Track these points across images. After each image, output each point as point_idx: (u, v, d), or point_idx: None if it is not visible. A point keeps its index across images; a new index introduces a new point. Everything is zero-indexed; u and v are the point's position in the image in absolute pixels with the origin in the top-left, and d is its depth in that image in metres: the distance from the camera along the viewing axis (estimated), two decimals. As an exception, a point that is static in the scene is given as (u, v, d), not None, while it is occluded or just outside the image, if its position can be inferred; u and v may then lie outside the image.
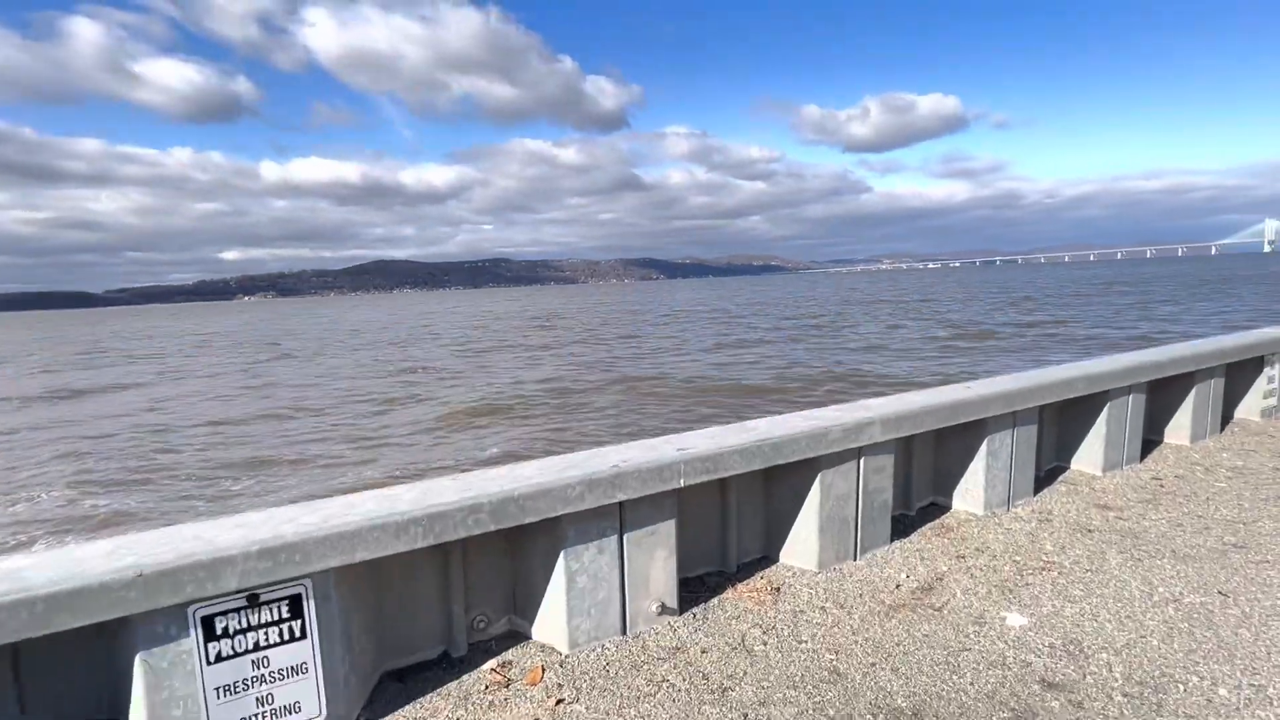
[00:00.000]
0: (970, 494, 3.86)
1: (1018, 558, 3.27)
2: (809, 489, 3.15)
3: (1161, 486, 4.24)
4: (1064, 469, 4.61)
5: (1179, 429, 5.15)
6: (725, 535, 3.18)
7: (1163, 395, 5.09)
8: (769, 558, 3.32)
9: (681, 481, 2.66)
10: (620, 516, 2.58)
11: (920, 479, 3.94)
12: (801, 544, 3.20)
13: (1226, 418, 5.71)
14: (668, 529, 2.70)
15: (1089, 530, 3.59)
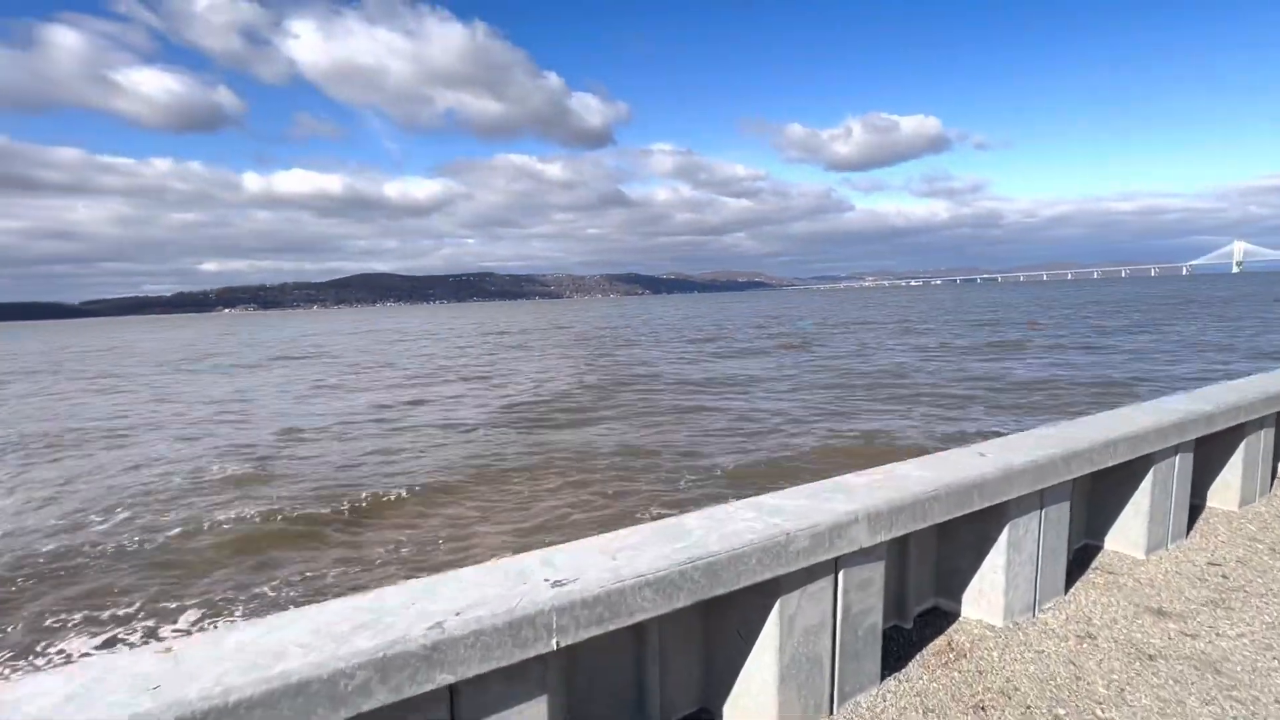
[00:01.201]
0: (986, 598, 2.90)
1: (1060, 710, 2.31)
2: (764, 621, 2.18)
3: (1225, 578, 3.30)
4: (1095, 548, 3.67)
5: (1225, 490, 4.25)
6: (643, 690, 2.19)
7: (1206, 451, 4.19)
8: (709, 713, 2.33)
9: (555, 642, 1.68)
10: (451, 708, 1.61)
11: (918, 575, 2.97)
12: (753, 697, 2.21)
13: (1273, 472, 4.83)
14: (536, 712, 1.71)
15: (1149, 656, 2.63)
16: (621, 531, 2.17)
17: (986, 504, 2.69)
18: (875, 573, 2.38)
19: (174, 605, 5.51)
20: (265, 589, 5.71)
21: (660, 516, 7.56)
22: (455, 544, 6.58)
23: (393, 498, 8.03)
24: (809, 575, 2.19)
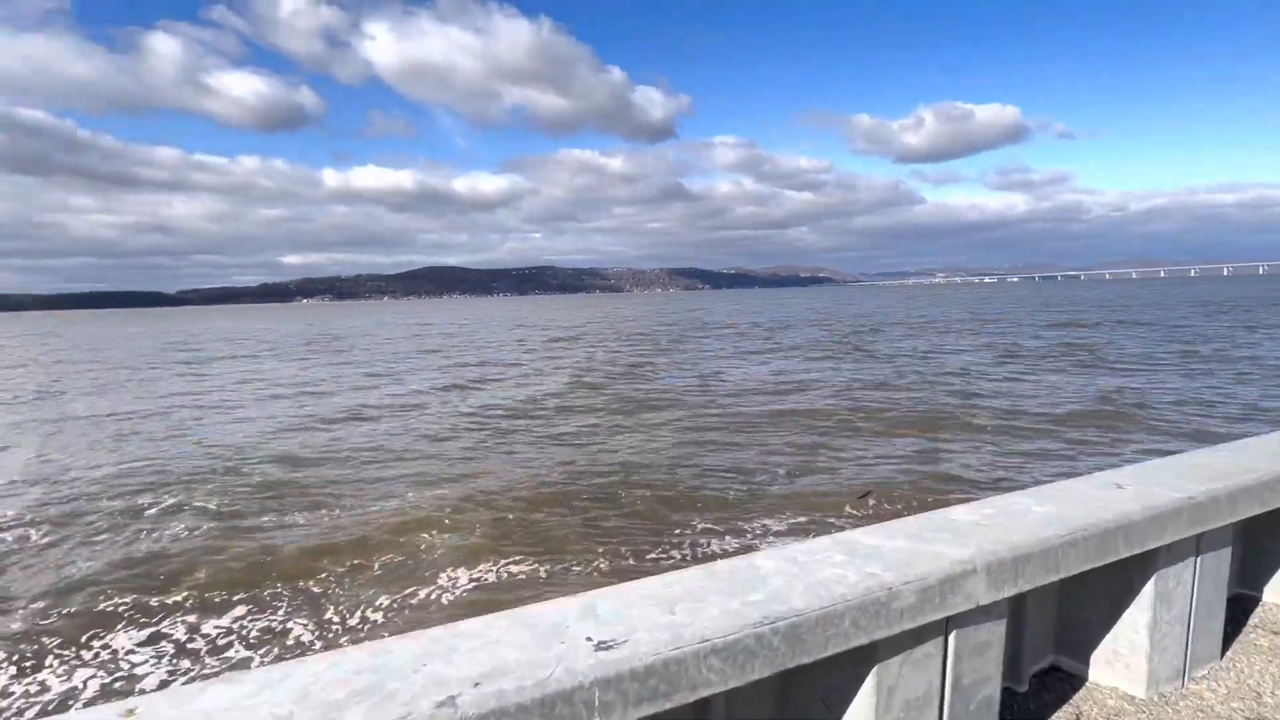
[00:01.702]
0: (1123, 661, 2.39)
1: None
2: (855, 692, 1.77)
3: None
4: (1250, 600, 3.05)
5: None
6: None
7: None
8: None
9: None
10: None
11: (1035, 625, 2.49)
12: None
13: None
14: None
15: (1349, 753, 2.08)
16: (679, 575, 1.81)
17: (1131, 552, 2.18)
18: (994, 635, 1.94)
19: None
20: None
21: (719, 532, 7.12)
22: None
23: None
24: (914, 638, 1.77)
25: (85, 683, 4.66)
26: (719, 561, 1.88)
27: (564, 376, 20.09)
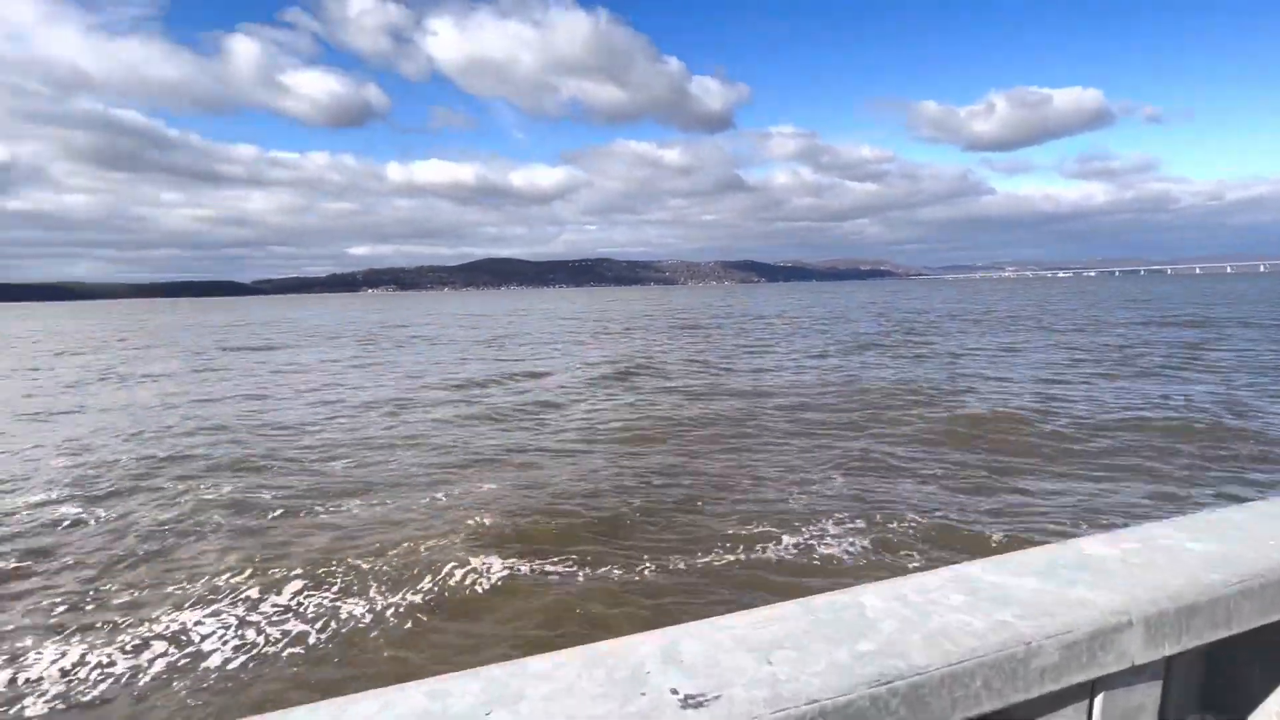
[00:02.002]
0: None
1: None
2: None
3: None
4: None
5: None
6: None
7: None
8: None
9: None
10: None
11: (1183, 685, 1.97)
12: None
13: None
14: None
15: None
16: (774, 611, 1.52)
17: None
18: (1148, 698, 1.52)
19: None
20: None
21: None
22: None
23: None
24: (1053, 703, 1.51)
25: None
26: (819, 598, 1.60)
27: (608, 367, 19.88)
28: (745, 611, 1.53)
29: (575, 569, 5.87)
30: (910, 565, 5.86)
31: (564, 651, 1.38)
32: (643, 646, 1.37)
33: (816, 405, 13.00)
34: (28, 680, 4.49)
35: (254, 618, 5.23)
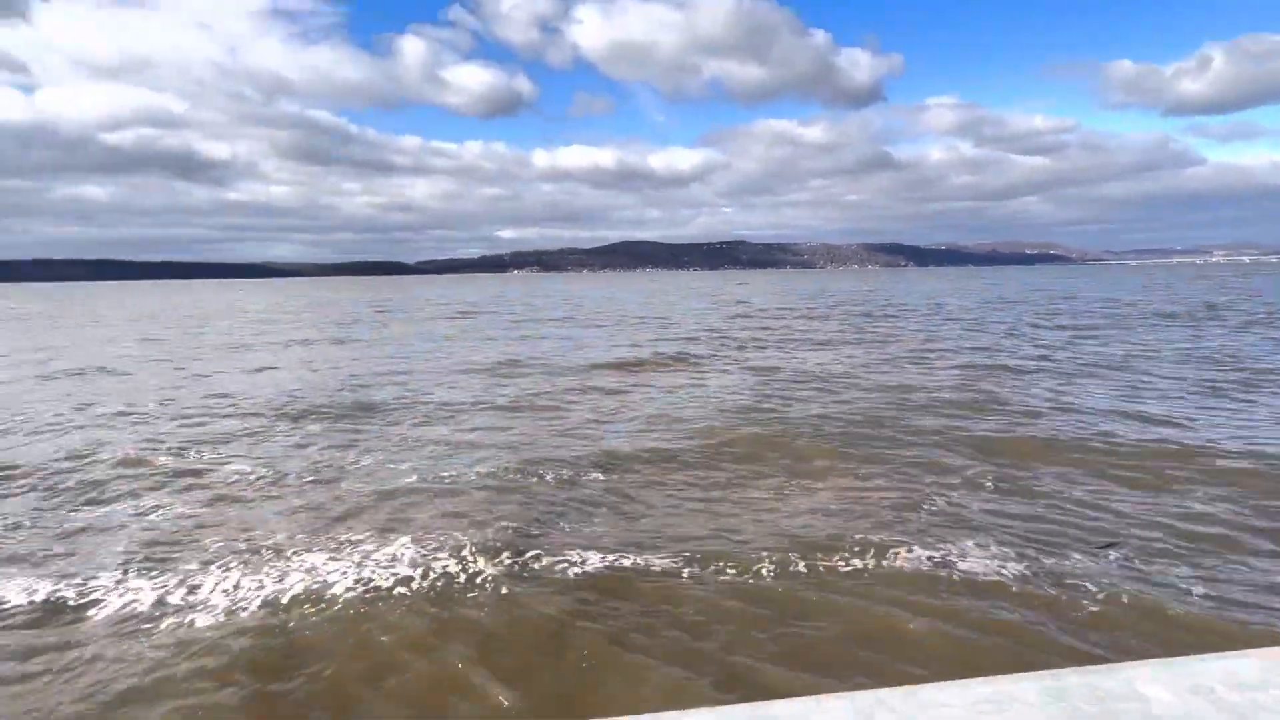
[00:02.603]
0: None
1: None
2: None
3: None
4: None
5: None
6: None
7: None
8: None
9: None
10: None
11: None
12: None
13: None
14: None
15: None
16: (999, 687, 1.15)
17: None
18: None
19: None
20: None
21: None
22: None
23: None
24: None
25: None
26: (1070, 674, 1.18)
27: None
28: (961, 683, 1.16)
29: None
30: (1184, 638, 4.89)
31: (800, 701, 1.13)
32: (845, 712, 1.08)
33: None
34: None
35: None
